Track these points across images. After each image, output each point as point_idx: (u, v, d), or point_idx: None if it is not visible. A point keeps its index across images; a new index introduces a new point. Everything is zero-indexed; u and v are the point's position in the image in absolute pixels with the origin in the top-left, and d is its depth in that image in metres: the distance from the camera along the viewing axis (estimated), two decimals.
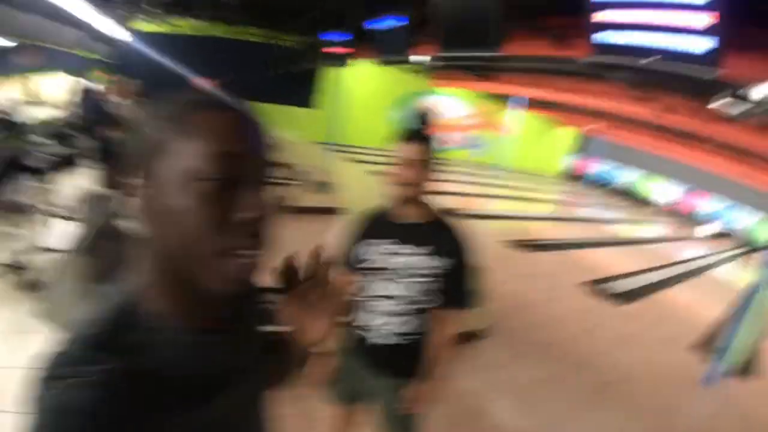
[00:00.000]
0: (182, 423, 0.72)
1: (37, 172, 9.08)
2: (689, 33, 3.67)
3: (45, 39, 11.55)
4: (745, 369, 5.87)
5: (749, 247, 19.89)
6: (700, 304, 8.90)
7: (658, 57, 3.92)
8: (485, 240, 9.72)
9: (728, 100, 7.58)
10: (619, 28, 4.06)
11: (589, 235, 12.88)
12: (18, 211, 5.66)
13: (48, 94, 22.03)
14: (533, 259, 8.67)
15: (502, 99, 22.22)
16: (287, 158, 12.19)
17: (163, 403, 0.69)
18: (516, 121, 21.14)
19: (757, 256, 17.78)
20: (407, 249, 2.12)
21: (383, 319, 2.18)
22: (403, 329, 2.17)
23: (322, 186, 7.89)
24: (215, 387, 0.80)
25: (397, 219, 2.15)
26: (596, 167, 26.69)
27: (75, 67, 16.64)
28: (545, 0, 6.52)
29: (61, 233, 6.07)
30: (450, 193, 14.32)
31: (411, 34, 6.79)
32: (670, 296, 8.90)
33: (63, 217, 6.54)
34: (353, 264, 2.19)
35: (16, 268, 5.29)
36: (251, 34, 16.60)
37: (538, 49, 7.76)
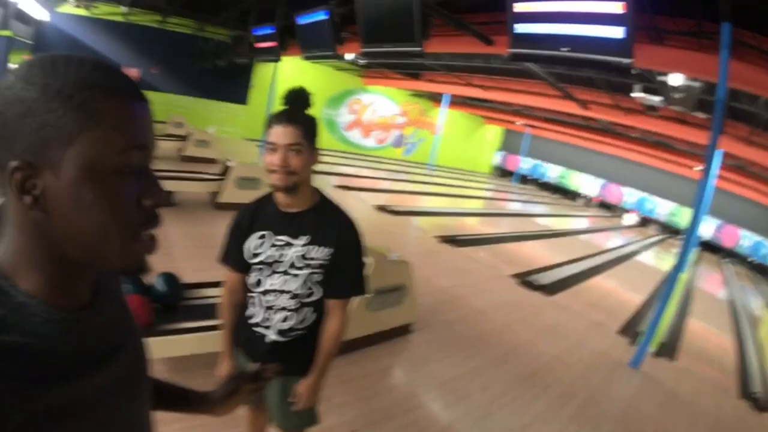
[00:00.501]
0: (52, 403, 0.68)
1: None
2: (602, 22, 3.77)
3: None
4: (669, 349, 6.10)
5: (670, 233, 20.75)
6: (625, 290, 9.20)
7: (571, 47, 4.02)
8: (416, 236, 9.81)
9: (642, 92, 7.90)
10: (537, 19, 4.12)
11: (517, 228, 13.12)
12: None
13: None
14: (462, 254, 8.76)
15: (431, 97, 22.51)
16: (217, 153, 12.02)
17: (28, 380, 0.65)
18: (445, 119, 21.44)
19: (677, 241, 18.57)
20: (283, 240, 2.02)
21: (267, 314, 2.10)
22: (288, 325, 2.08)
23: (251, 182, 7.78)
24: (85, 364, 0.75)
25: (280, 208, 2.04)
26: (522, 163, 27.27)
27: None
28: None
29: None
30: (382, 190, 14.40)
31: (336, 30, 6.76)
32: (596, 284, 9.17)
33: None
34: (239, 256, 2.07)
35: None
36: (180, 25, 16.26)
37: (462, 46, 7.83)
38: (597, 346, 5.84)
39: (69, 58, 0.69)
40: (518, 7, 4.20)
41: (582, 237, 15.16)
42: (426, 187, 16.86)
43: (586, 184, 24.71)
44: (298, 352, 2.10)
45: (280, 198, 2.00)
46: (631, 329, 6.60)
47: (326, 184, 13.57)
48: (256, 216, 2.06)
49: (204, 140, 12.05)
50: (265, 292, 2.06)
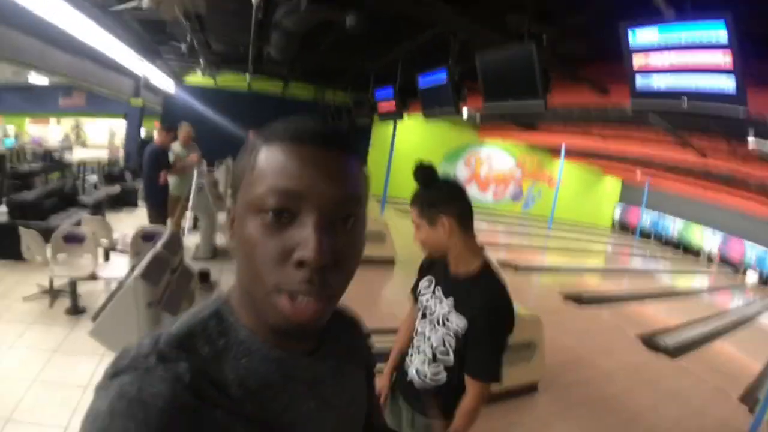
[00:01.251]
0: None
1: (90, 206, 9.57)
2: (716, 72, 3.75)
3: (92, 83, 12.03)
4: None
5: None
6: (746, 355, 8.72)
7: (690, 99, 3.99)
8: (539, 293, 9.73)
9: (757, 139, 7.56)
10: (655, 72, 4.13)
11: (639, 286, 12.68)
12: (75, 241, 5.98)
13: (92, 137, 23.03)
14: (586, 313, 8.63)
15: (549, 150, 22.22)
16: None
17: (228, 416, 0.68)
18: (563, 171, 20.98)
19: None
20: (439, 294, 2.22)
21: (412, 352, 2.34)
22: (423, 369, 2.25)
23: (376, 237, 8.01)
24: (289, 416, 0.77)
25: (449, 268, 2.21)
26: (642, 216, 25.90)
27: (120, 112, 17.42)
28: (586, 47, 6.64)
29: (113, 264, 6.50)
30: (502, 245, 14.35)
31: (457, 88, 6.87)
32: (718, 347, 8.76)
33: (115, 249, 6.96)
34: (416, 291, 2.40)
35: (69, 293, 5.71)
36: (301, 90, 17.03)
37: (578, 97, 7.86)
38: (718, 413, 5.66)
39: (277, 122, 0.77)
40: (637, 60, 4.23)
41: (704, 296, 14.47)
42: (547, 242, 16.65)
43: (707, 238, 23.14)
44: (424, 397, 2.24)
45: (452, 262, 2.20)
46: (751, 396, 6.27)
47: None
48: (433, 263, 2.32)
49: None
50: (417, 332, 2.33)
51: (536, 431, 4.57)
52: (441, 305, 2.18)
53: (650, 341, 7.48)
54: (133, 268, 3.68)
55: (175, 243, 4.81)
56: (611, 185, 27.49)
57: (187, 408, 0.63)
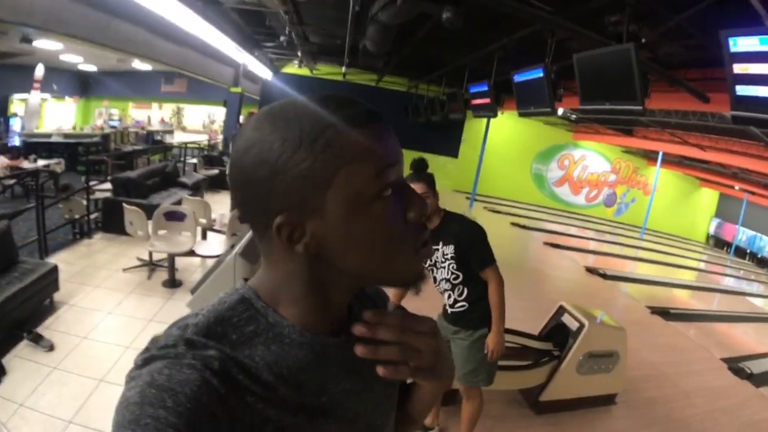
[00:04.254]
0: (278, 430, 0.71)
1: (190, 187, 10.02)
2: None
3: (193, 70, 12.49)
4: None
5: None
6: None
7: None
8: (625, 303, 9.49)
9: None
10: (758, 81, 3.97)
11: (729, 307, 11.98)
12: (175, 219, 6.37)
13: (192, 122, 23.92)
14: (670, 329, 8.34)
15: (644, 155, 21.50)
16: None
17: (261, 402, 0.69)
18: (658, 180, 20.35)
19: None
20: (435, 246, 3.18)
21: (446, 294, 3.34)
22: (451, 300, 3.32)
23: None
24: (326, 391, 0.79)
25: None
26: (739, 233, 24.28)
27: (220, 99, 18.00)
28: (684, 51, 6.44)
29: (210, 242, 6.82)
30: (591, 251, 14.06)
31: (553, 87, 6.77)
32: None
33: (212, 229, 7.29)
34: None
35: (166, 266, 6.12)
36: (394, 83, 17.40)
37: (677, 103, 7.62)
38: None
39: (295, 104, 0.73)
40: (738, 69, 4.09)
41: None
42: (637, 252, 16.14)
43: None
44: (466, 316, 3.29)
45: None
46: None
47: (534, 241, 13.49)
48: None
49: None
50: (437, 283, 3.34)
51: None
52: (436, 253, 3.22)
53: (735, 366, 7.14)
54: (232, 246, 3.88)
55: None
56: (708, 198, 26.11)
57: (217, 394, 0.63)
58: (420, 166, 3.03)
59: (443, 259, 3.20)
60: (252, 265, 3.45)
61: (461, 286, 3.24)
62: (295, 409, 0.73)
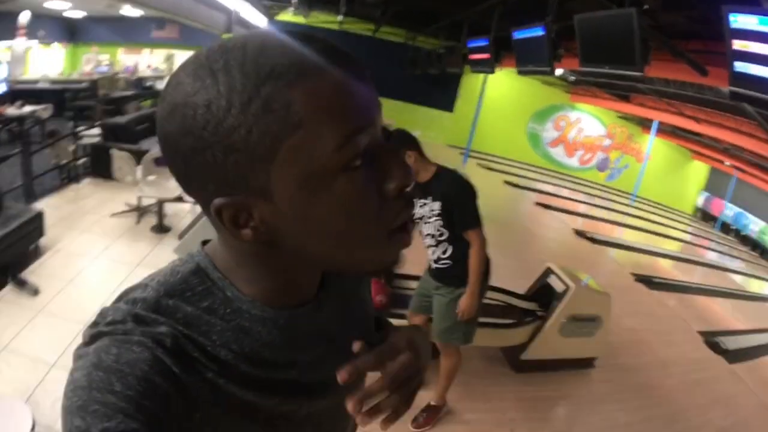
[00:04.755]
0: (243, 406, 0.67)
1: None
2: None
3: (184, 16, 12.29)
4: None
5: None
6: None
7: None
8: (611, 269, 9.56)
9: None
10: (758, 60, 3.93)
11: (711, 281, 12.10)
12: (163, 164, 6.27)
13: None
14: (653, 297, 8.45)
15: (639, 122, 21.43)
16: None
17: (221, 377, 0.64)
18: (652, 147, 20.33)
19: None
20: (421, 203, 3.19)
21: (431, 250, 3.35)
22: (435, 255, 3.34)
23: None
24: (293, 363, 0.73)
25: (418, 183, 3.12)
26: (726, 209, 24.03)
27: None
28: (686, 22, 6.35)
29: None
30: (581, 214, 14.14)
31: (553, 46, 6.64)
32: None
33: None
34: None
35: (155, 212, 6.11)
36: (391, 34, 17.09)
37: (676, 73, 7.53)
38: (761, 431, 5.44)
39: (225, 51, 0.56)
40: (737, 45, 4.04)
41: None
42: (626, 218, 16.20)
43: None
44: (448, 273, 3.32)
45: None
46: None
47: (526, 200, 13.52)
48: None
49: None
50: (423, 237, 3.34)
51: (585, 408, 4.59)
52: (424, 208, 3.19)
53: (711, 340, 7.24)
54: None
55: None
56: (698, 171, 25.80)
57: (170, 373, 0.58)
58: (405, 137, 3.08)
59: (430, 215, 3.20)
60: None
61: (446, 244, 3.26)
62: (260, 385, 0.67)
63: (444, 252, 3.28)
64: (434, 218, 3.19)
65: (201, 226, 3.53)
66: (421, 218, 3.24)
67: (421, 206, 3.19)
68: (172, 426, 0.57)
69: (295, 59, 0.54)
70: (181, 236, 3.69)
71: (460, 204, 3.14)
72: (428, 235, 3.29)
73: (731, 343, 7.48)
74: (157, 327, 0.61)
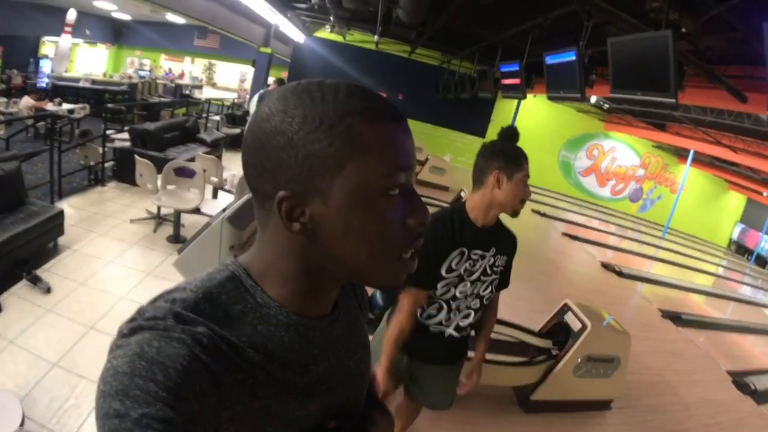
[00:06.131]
0: (264, 408, 0.74)
1: (209, 144, 10.04)
2: None
3: (224, 27, 12.45)
4: None
5: None
6: None
7: None
8: (637, 304, 9.31)
9: None
10: None
11: (743, 318, 11.60)
12: (185, 175, 6.32)
13: (224, 79, 24.03)
14: (680, 335, 8.12)
15: (675, 152, 21.11)
16: (451, 181, 12.40)
17: (250, 379, 0.71)
18: (687, 178, 19.93)
19: None
20: (477, 254, 2.34)
21: (450, 315, 2.43)
22: (467, 323, 2.47)
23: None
24: (307, 378, 0.81)
25: (477, 224, 2.32)
26: (762, 241, 23.29)
27: (250, 59, 18.04)
28: (725, 46, 6.19)
29: (219, 202, 6.81)
30: (609, 246, 13.93)
31: (585, 72, 6.54)
32: None
33: (223, 189, 7.30)
34: (435, 276, 2.31)
35: (172, 221, 6.12)
36: (426, 56, 17.21)
37: (714, 100, 7.35)
38: None
39: (323, 85, 0.74)
40: None
41: None
42: (656, 251, 15.84)
43: None
44: (464, 344, 2.57)
45: (482, 216, 2.31)
46: None
47: (553, 230, 13.36)
48: (454, 234, 2.29)
49: (440, 167, 12.83)
50: (454, 298, 2.39)
51: None
52: (483, 260, 2.35)
53: (740, 380, 6.95)
54: (224, 210, 3.81)
55: None
56: (734, 202, 25.39)
57: (206, 370, 0.64)
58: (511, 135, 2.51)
59: (489, 272, 2.39)
60: (239, 231, 3.41)
61: (483, 310, 2.53)
62: (280, 387, 0.75)
63: (473, 318, 2.48)
64: (493, 276, 2.42)
65: (199, 243, 3.45)
66: (471, 274, 2.36)
67: (468, 260, 2.32)
68: (203, 421, 0.62)
69: (371, 106, 0.73)
70: (180, 250, 3.66)
71: (511, 262, 2.50)
72: (473, 296, 2.42)
73: (761, 383, 7.19)
74: (195, 326, 0.67)
